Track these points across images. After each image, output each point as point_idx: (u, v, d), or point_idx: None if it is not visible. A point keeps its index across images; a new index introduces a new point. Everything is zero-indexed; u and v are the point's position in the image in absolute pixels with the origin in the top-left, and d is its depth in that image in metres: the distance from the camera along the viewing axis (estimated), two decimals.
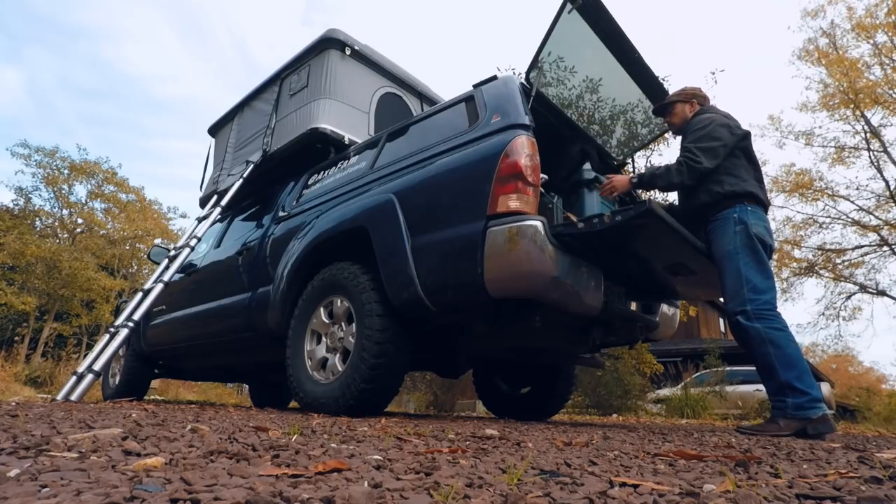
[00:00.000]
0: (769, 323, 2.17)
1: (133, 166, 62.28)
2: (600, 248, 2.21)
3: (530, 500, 0.69)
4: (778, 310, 2.24)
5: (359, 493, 0.64)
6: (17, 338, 16.02)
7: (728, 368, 8.79)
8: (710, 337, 16.52)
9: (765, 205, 2.46)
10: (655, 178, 2.46)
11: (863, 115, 13.64)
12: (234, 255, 3.48)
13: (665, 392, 7.89)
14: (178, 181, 77.65)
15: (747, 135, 2.50)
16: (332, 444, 1.18)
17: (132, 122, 67.42)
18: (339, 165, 3.25)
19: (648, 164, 8.01)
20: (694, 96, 2.77)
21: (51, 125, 52.05)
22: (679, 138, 2.67)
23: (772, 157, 68.22)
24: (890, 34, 13.10)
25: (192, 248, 3.69)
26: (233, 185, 3.89)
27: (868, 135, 13.94)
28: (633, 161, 3.77)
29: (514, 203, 2.06)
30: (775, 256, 15.19)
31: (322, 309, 2.65)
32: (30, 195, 19.36)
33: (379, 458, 1.00)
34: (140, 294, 3.42)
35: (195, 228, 3.87)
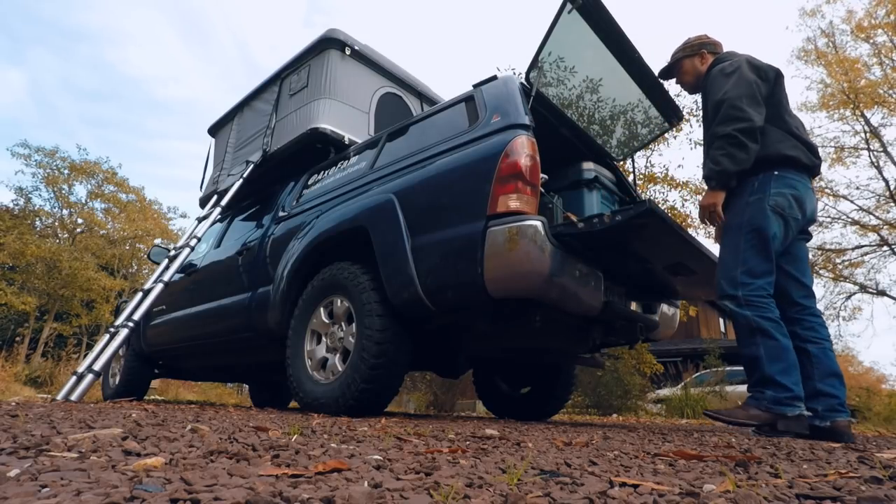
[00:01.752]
0: (761, 311, 1.99)
1: (134, 167, 62.63)
2: (600, 248, 2.21)
3: (530, 500, 0.69)
4: (772, 297, 2.06)
5: (359, 493, 0.64)
6: (17, 338, 16.02)
7: (728, 368, 8.80)
8: (710, 337, 16.51)
9: (807, 166, 2.10)
10: (723, 173, 2.03)
11: (862, 115, 13.64)
12: (234, 255, 3.48)
13: (665, 392, 7.89)
14: (179, 182, 77.91)
15: (779, 75, 2.17)
16: (332, 444, 1.18)
17: (134, 123, 67.89)
18: (339, 165, 3.25)
19: (648, 165, 7.99)
20: (702, 46, 2.39)
21: (53, 126, 52.51)
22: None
23: None
24: (890, 34, 13.10)
25: (192, 248, 3.69)
26: (233, 184, 3.89)
27: (868, 135, 13.94)
28: (633, 161, 3.77)
29: (514, 203, 2.06)
30: None
31: (322, 309, 2.65)
32: (30, 195, 19.37)
33: (379, 458, 1.00)
34: (140, 294, 3.42)
35: (195, 228, 3.87)
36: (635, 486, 0.80)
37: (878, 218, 14.02)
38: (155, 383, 9.31)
